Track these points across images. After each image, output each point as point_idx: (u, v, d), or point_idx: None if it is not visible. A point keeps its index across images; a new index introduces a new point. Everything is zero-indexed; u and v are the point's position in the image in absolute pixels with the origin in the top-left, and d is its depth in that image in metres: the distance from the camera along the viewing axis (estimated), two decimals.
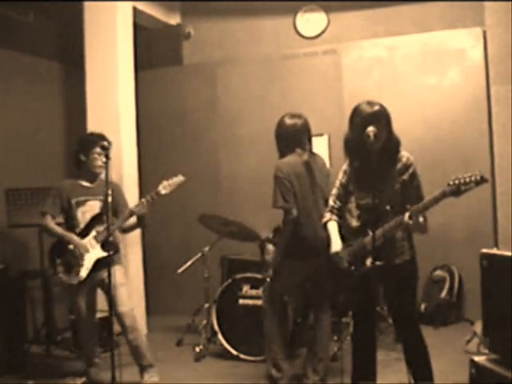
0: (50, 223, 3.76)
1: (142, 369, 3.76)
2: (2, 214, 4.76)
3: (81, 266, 3.64)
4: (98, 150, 3.73)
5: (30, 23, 5.47)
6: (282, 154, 3.65)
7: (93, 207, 3.77)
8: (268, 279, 3.82)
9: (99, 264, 3.64)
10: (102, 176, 3.79)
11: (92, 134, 3.96)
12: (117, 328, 4.56)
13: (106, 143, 3.63)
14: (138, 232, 5.26)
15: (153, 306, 5.78)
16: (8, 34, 5.23)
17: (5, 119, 5.14)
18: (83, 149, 3.79)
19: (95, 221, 3.74)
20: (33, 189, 4.81)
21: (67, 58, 5.85)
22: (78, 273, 3.64)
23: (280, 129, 3.66)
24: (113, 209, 3.77)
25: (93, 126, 4.96)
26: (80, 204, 3.78)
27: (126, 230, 3.97)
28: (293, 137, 3.61)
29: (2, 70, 5.13)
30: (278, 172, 3.55)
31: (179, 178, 3.73)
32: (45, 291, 4.95)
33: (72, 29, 5.50)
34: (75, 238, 3.70)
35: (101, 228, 3.68)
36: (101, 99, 5.13)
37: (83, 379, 3.86)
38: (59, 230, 3.75)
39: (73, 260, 3.66)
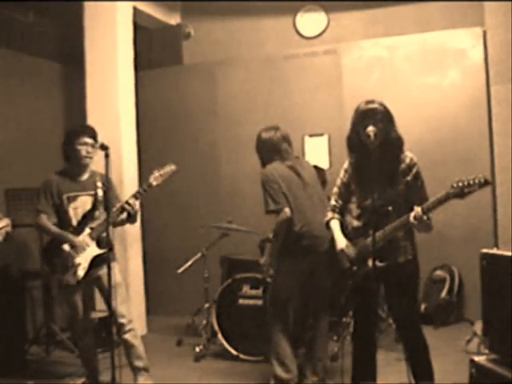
0: (46, 222, 3.67)
1: (136, 371, 3.66)
2: (2, 214, 4.76)
3: (78, 265, 3.56)
4: (81, 140, 3.63)
5: (30, 23, 5.47)
6: (264, 164, 3.75)
7: (84, 203, 3.66)
8: (269, 280, 3.81)
9: (95, 261, 3.56)
10: (92, 169, 3.75)
11: (76, 126, 3.87)
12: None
13: (105, 144, 3.58)
14: (138, 232, 5.27)
15: (153, 305, 5.78)
16: (8, 34, 5.24)
17: (5, 119, 5.14)
18: (68, 141, 3.69)
19: (88, 217, 3.63)
20: (33, 189, 4.78)
21: (67, 58, 5.85)
22: (75, 273, 3.55)
23: (258, 143, 3.82)
24: (105, 203, 3.67)
25: (93, 125, 4.95)
26: (71, 200, 3.66)
27: (117, 224, 3.82)
28: (272, 148, 3.72)
29: (1, 70, 5.13)
30: (263, 177, 3.63)
31: (170, 168, 3.66)
32: (45, 291, 4.96)
33: (72, 29, 5.50)
34: (71, 236, 3.60)
35: (94, 224, 3.60)
36: (101, 99, 5.13)
37: (83, 379, 3.85)
38: (55, 229, 3.65)
39: (69, 260, 3.57)
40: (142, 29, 6.02)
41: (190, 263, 4.74)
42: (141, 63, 5.69)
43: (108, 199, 3.65)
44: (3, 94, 5.15)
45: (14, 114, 5.24)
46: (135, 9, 5.49)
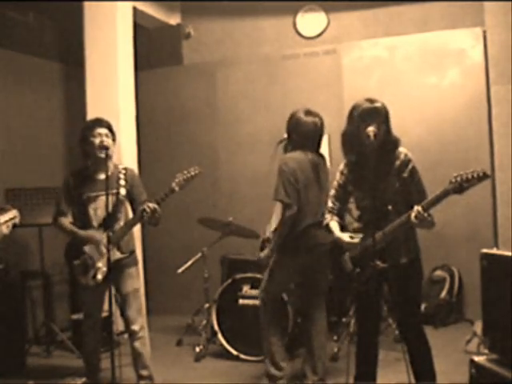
0: (62, 221, 3.58)
1: (141, 378, 3.64)
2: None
3: (97, 268, 3.48)
4: (94, 132, 3.52)
5: (30, 23, 5.47)
6: (291, 149, 3.61)
7: (105, 203, 3.42)
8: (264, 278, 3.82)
9: (115, 266, 3.42)
10: (112, 165, 3.62)
11: (89, 120, 3.74)
12: (117, 328, 4.57)
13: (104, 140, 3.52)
14: (138, 232, 5.26)
15: (153, 306, 5.78)
16: (8, 34, 5.24)
17: (5, 119, 5.14)
18: (82, 137, 3.59)
19: (109, 219, 3.48)
20: (33, 189, 4.81)
21: (67, 58, 5.85)
22: (94, 276, 3.48)
23: (294, 124, 3.58)
24: (128, 200, 3.64)
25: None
26: (91, 200, 3.53)
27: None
28: (309, 135, 3.56)
29: (2, 70, 5.13)
30: (284, 166, 3.51)
31: (195, 171, 3.40)
32: (45, 291, 4.96)
33: (72, 29, 5.50)
34: (83, 233, 3.51)
35: (115, 227, 3.49)
36: (101, 99, 5.12)
37: (83, 379, 3.85)
38: (70, 227, 3.57)
39: (89, 262, 3.50)
40: (142, 29, 6.02)
41: (190, 263, 4.74)
42: (141, 63, 5.69)
43: (132, 197, 3.61)
44: (3, 94, 5.15)
45: (14, 113, 5.23)
46: (135, 9, 5.48)
